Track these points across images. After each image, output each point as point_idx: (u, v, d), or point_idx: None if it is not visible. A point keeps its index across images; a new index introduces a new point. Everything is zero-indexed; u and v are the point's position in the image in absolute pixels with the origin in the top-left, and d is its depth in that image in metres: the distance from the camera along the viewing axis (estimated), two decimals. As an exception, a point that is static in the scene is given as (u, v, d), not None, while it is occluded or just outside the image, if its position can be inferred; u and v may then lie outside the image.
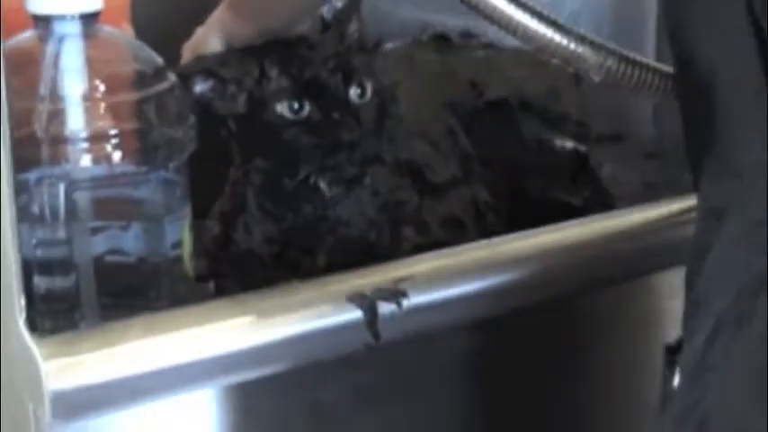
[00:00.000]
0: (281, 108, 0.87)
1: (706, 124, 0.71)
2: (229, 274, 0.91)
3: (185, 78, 0.87)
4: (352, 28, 0.92)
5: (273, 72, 0.88)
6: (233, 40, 0.91)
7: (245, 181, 0.89)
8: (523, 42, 0.90)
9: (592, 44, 0.90)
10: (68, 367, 0.73)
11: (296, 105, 0.86)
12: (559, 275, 0.88)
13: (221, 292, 0.90)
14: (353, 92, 0.88)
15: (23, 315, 0.74)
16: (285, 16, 0.92)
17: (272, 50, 0.89)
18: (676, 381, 0.72)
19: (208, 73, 0.88)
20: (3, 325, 0.75)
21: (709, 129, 0.70)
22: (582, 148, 1.05)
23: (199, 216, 0.90)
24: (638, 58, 0.92)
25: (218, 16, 0.92)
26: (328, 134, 0.86)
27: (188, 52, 0.93)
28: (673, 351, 0.75)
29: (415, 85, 1.02)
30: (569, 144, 1.05)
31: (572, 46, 0.89)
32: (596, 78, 0.91)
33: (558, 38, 0.89)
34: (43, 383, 0.72)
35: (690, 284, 0.71)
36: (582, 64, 0.90)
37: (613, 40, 1.03)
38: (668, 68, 0.90)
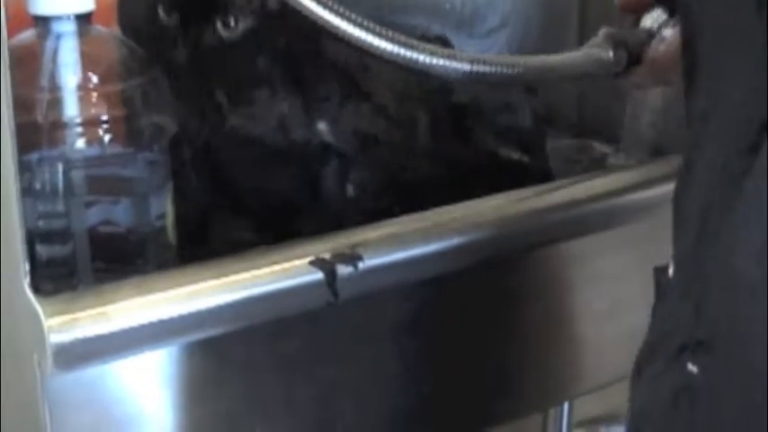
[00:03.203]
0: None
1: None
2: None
3: None
4: None
5: None
6: None
7: None
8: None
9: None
10: (67, 323, 0.74)
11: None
12: (491, 241, 0.89)
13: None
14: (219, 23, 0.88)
15: (28, 278, 0.75)
16: None
17: None
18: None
19: None
20: (11, 287, 0.76)
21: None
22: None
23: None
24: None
25: None
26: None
27: None
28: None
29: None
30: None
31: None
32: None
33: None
34: (46, 338, 0.73)
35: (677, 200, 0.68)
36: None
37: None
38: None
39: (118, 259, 0.88)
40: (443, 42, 1.04)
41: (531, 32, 1.27)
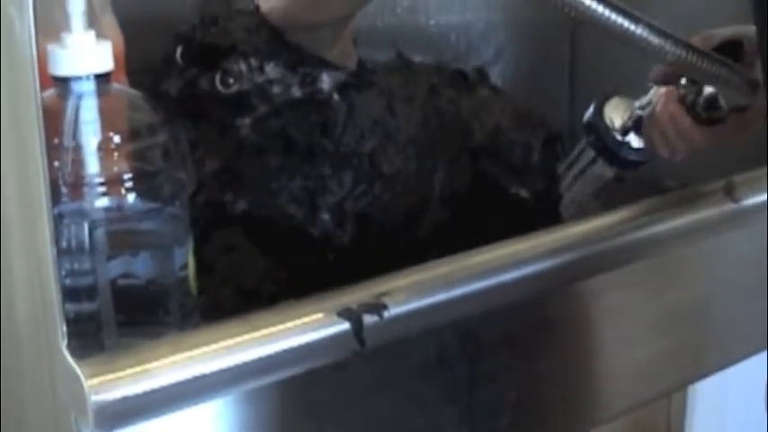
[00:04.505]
0: None
1: None
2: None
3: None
4: None
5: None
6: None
7: None
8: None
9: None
10: (108, 383, 0.76)
11: None
12: (511, 284, 0.92)
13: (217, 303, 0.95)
14: (218, 77, 0.93)
15: (66, 340, 0.78)
16: None
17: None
18: None
19: None
20: (48, 350, 0.79)
21: None
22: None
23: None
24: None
25: None
26: None
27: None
28: None
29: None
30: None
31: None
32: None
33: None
34: (87, 399, 0.76)
35: None
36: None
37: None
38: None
39: (142, 312, 0.90)
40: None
41: (524, 65, 1.30)
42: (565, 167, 1.15)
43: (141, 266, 0.91)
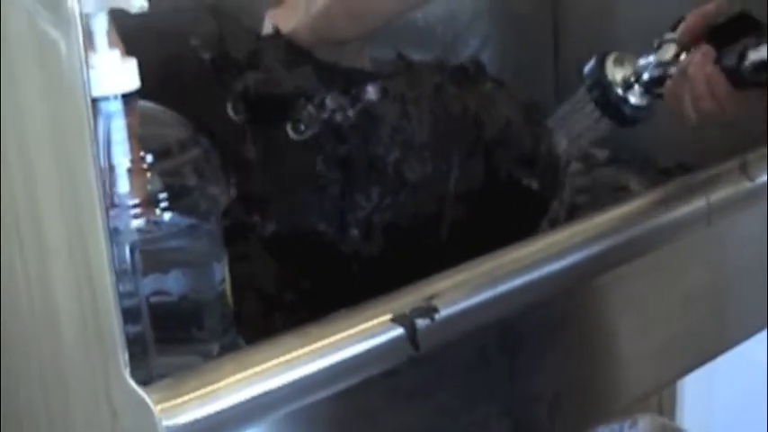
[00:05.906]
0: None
1: None
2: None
3: None
4: None
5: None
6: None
7: None
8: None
9: None
10: (177, 407, 0.76)
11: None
12: (552, 276, 0.94)
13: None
14: (289, 126, 0.93)
15: (128, 368, 0.77)
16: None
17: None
18: None
19: None
20: (104, 376, 0.78)
21: None
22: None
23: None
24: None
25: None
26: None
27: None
28: None
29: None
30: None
31: None
32: None
33: None
34: (157, 424, 0.75)
35: None
36: None
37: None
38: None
39: (181, 329, 0.90)
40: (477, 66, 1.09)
41: (510, 53, 1.31)
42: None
43: (178, 283, 0.90)
